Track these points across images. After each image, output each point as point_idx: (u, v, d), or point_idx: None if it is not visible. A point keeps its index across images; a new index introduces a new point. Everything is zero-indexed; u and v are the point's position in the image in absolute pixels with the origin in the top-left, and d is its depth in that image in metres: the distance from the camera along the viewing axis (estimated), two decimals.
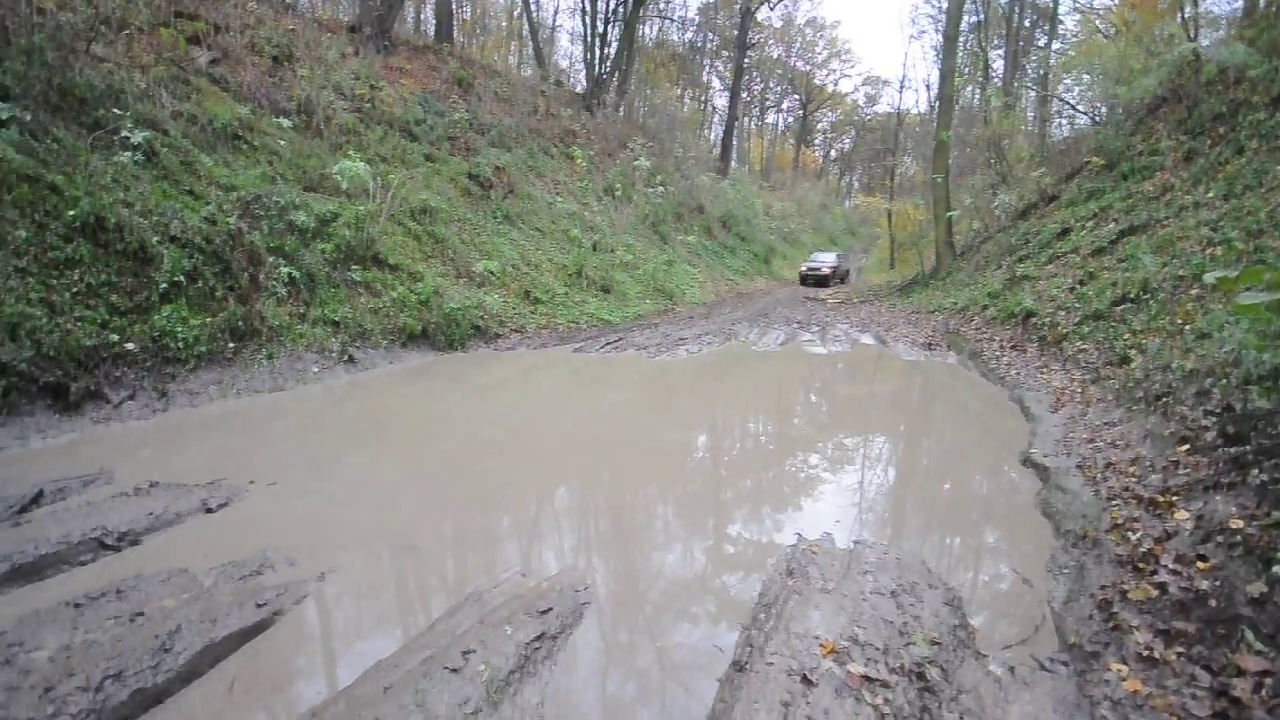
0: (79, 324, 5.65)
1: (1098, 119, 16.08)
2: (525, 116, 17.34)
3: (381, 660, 2.24)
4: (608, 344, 10.12)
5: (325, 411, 5.83)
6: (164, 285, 6.41)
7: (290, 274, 7.70)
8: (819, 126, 52.36)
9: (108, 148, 7.11)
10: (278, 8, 13.65)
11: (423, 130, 13.62)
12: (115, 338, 5.81)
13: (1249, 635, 2.10)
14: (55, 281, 5.74)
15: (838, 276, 22.87)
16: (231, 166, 8.62)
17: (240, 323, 6.83)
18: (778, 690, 2.12)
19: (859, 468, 5.22)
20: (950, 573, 3.23)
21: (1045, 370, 7.32)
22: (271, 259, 7.59)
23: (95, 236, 6.22)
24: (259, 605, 2.48)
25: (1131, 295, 7.28)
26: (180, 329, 6.28)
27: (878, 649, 2.33)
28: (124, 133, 7.26)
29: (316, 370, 7.14)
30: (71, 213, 6.15)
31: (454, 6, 20.67)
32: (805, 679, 2.16)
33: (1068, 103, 18.47)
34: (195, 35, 10.27)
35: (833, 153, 55.70)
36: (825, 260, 23.05)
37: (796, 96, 46.93)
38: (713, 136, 39.20)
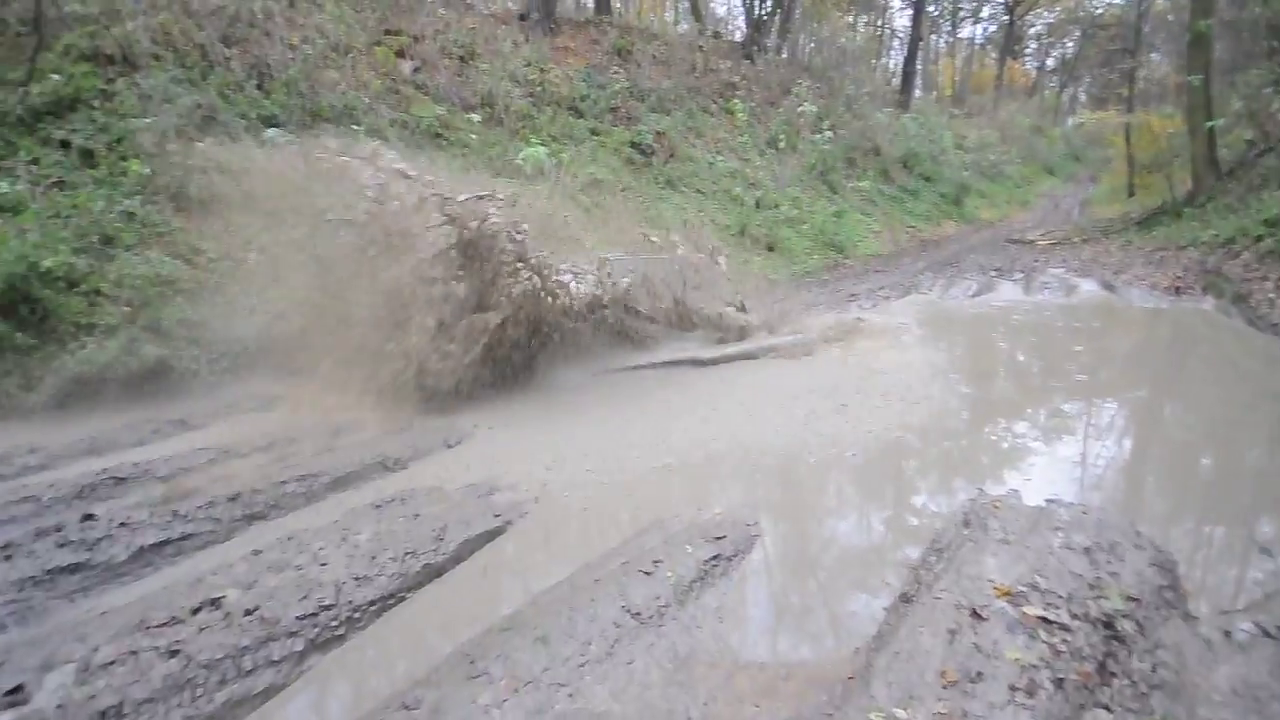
0: None
1: None
2: (683, 76, 17.50)
3: (589, 562, 2.84)
4: (774, 303, 10.16)
5: None
6: None
7: None
8: (1031, 32, 44.43)
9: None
10: (460, 9, 15.41)
11: (587, 105, 14.54)
12: None
13: None
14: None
15: None
16: (435, 162, 10.18)
17: None
18: (945, 620, 2.28)
19: (1077, 435, 4.82)
20: (1170, 541, 2.99)
21: None
22: None
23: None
24: (495, 515, 3.25)
25: None
26: None
27: (1060, 596, 2.34)
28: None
29: None
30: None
31: None
32: (974, 613, 2.28)
33: None
34: (400, 49, 12.12)
35: (1049, 62, 47.01)
36: None
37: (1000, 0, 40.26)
38: (892, 65, 35.55)
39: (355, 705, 2.17)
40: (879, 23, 36.63)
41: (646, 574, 2.68)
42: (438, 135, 10.74)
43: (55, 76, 7.34)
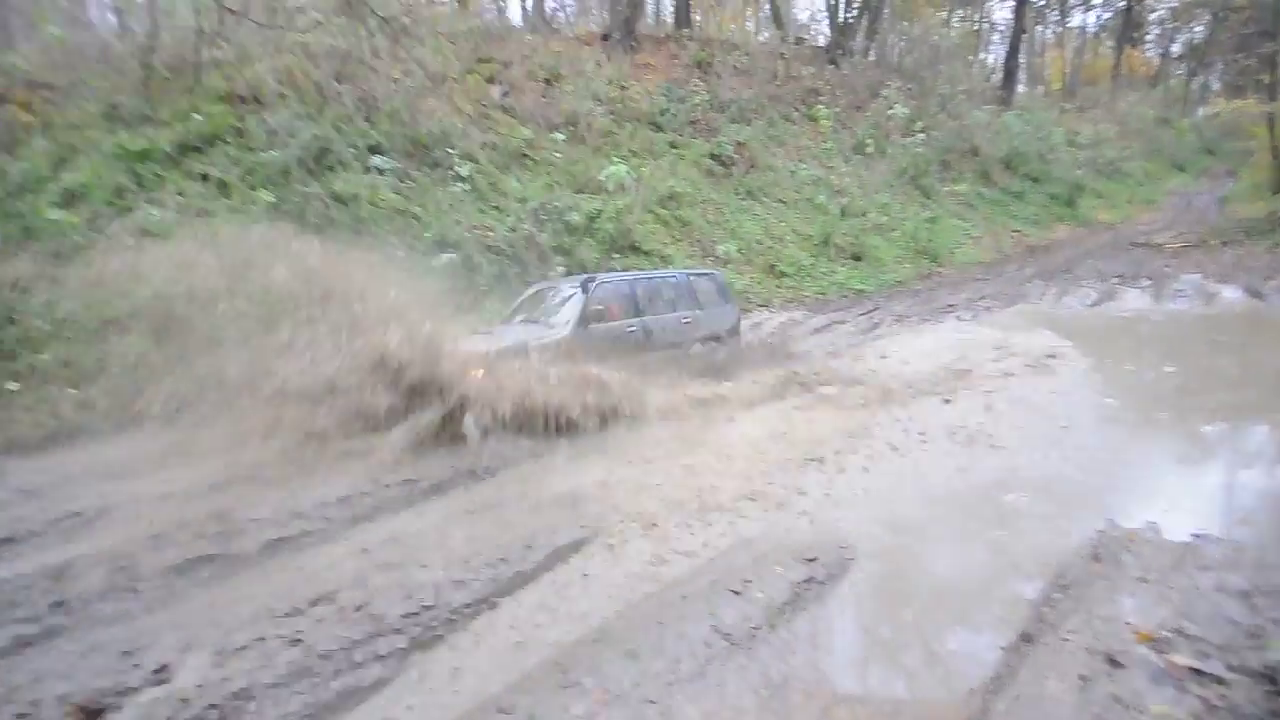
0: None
1: None
2: (764, 85, 17.37)
3: (676, 578, 2.82)
4: (861, 314, 9.79)
5: None
6: (484, 287, 8.34)
7: (567, 267, 9.24)
8: (1152, 17, 40.54)
9: (445, 181, 9.46)
10: (546, 34, 16.11)
11: (666, 119, 14.73)
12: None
13: None
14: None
15: None
16: (522, 181, 10.64)
17: None
18: (1075, 665, 2.07)
19: (1222, 461, 4.30)
20: None
21: None
22: (556, 256, 9.24)
23: (441, 252, 8.38)
24: (581, 526, 3.31)
25: None
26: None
27: (1213, 645, 2.07)
28: (454, 167, 9.55)
29: None
30: (427, 234, 8.41)
31: None
32: (1111, 660, 2.06)
33: None
34: (491, 75, 12.81)
35: (1175, 48, 42.59)
36: None
37: None
38: (991, 60, 33.55)
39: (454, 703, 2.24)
40: (976, 17, 34.76)
41: (735, 593, 2.63)
42: (524, 155, 11.23)
43: (197, 116, 8.33)
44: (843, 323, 9.33)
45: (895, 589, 2.82)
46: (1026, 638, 2.34)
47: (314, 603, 2.64)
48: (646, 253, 10.50)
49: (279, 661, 2.30)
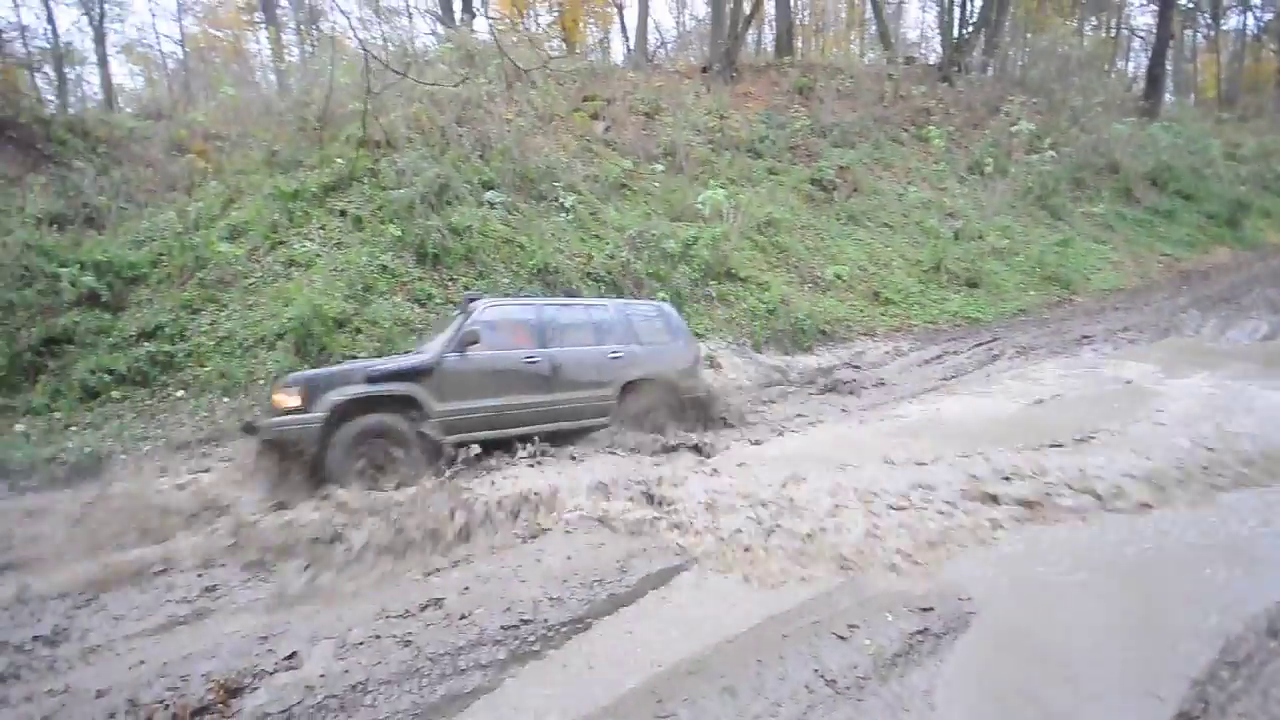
0: None
1: None
2: (869, 107, 16.95)
3: (774, 614, 2.72)
4: (978, 345, 9.13)
5: None
6: None
7: (663, 294, 9.39)
8: None
9: (549, 212, 9.99)
10: (648, 70, 16.74)
11: (765, 146, 14.72)
12: None
13: None
14: None
15: None
16: (621, 211, 11.00)
17: None
18: None
19: None
20: None
21: None
22: (651, 283, 9.42)
23: (544, 278, 8.82)
24: (676, 554, 3.29)
25: None
26: None
27: None
28: (559, 199, 10.07)
29: None
30: (531, 262, 8.87)
31: (792, 16, 21.62)
32: None
33: None
34: (595, 112, 13.46)
35: None
36: None
37: None
38: (1132, 69, 30.72)
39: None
40: (1112, 23, 32.08)
41: (840, 638, 2.49)
42: (623, 185, 11.63)
43: (339, 160, 9.39)
44: (956, 353, 8.75)
45: (1025, 650, 2.55)
46: (1186, 717, 2.03)
47: (424, 607, 2.81)
48: (743, 279, 10.44)
49: (392, 660, 2.47)
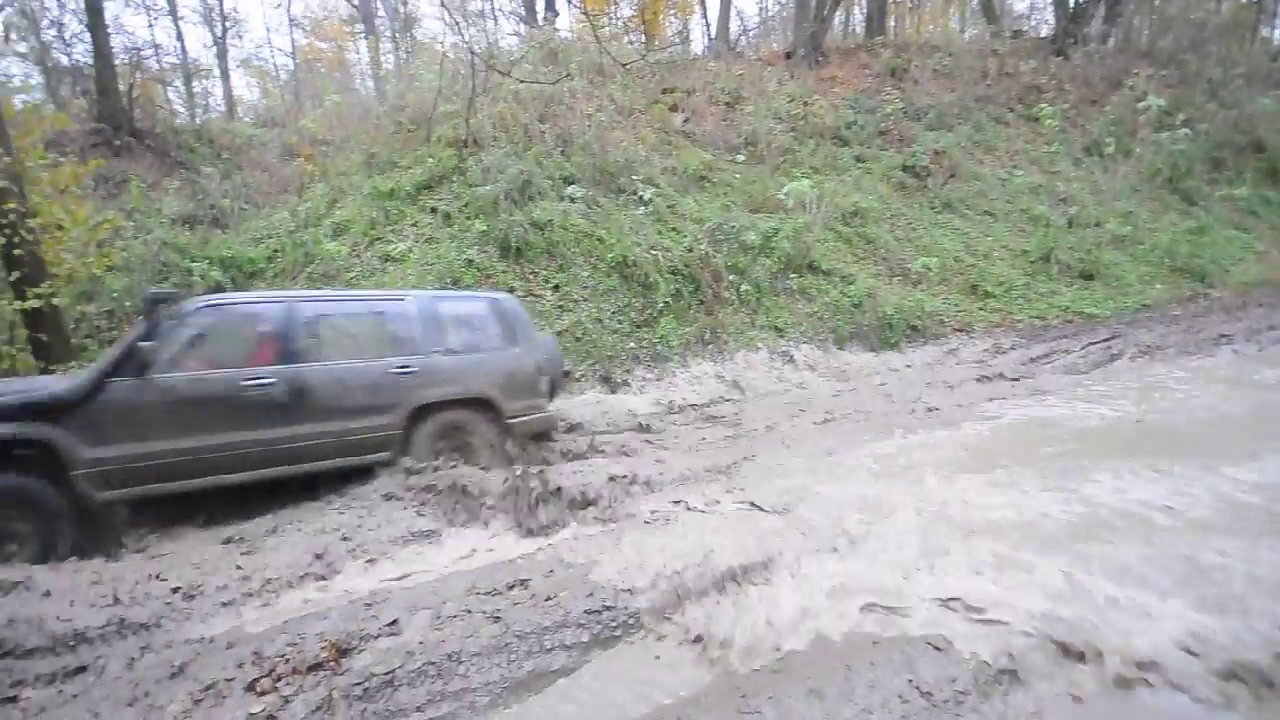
0: (613, 335, 8.26)
1: None
2: (970, 86, 15.92)
3: (864, 619, 2.64)
4: (1091, 343, 8.41)
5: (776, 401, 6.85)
6: (660, 304, 8.69)
7: (742, 287, 9.27)
8: None
9: (628, 205, 10.09)
10: (728, 60, 16.52)
11: (852, 132, 14.16)
12: (632, 344, 8.26)
13: None
14: (601, 305, 8.53)
15: None
16: (699, 203, 10.94)
17: (707, 330, 8.66)
18: None
19: None
20: None
21: None
22: (729, 276, 9.32)
23: (622, 271, 8.92)
24: (759, 541, 3.27)
25: None
26: (671, 337, 8.42)
27: None
28: (638, 192, 10.15)
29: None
30: (610, 255, 9.00)
31: None
32: None
33: None
34: (673, 104, 13.44)
35: None
36: None
37: None
38: (1279, 37, 27.08)
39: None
40: None
41: (937, 649, 2.38)
42: (703, 178, 11.54)
43: (431, 160, 9.90)
44: (1067, 352, 8.09)
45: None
46: None
47: (511, 586, 2.94)
48: (826, 272, 10.12)
49: (483, 634, 2.60)
